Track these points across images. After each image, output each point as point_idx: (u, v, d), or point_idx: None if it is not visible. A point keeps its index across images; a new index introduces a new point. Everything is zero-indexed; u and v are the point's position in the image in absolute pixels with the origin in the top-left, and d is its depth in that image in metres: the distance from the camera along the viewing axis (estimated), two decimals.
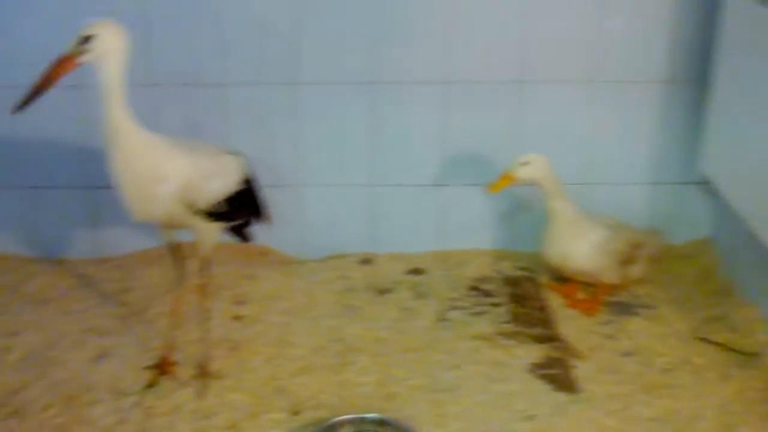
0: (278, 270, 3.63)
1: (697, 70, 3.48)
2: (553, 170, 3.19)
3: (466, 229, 3.74)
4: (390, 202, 3.69)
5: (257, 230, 3.19)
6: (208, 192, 2.75)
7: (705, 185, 3.58)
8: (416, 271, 3.63)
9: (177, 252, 3.01)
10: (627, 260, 3.28)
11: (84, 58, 2.49)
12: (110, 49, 2.49)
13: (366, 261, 3.71)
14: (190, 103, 3.56)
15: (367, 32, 3.46)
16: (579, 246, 3.24)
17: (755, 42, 2.97)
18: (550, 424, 2.72)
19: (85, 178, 3.66)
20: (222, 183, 2.81)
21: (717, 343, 3.11)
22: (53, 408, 2.79)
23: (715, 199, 3.59)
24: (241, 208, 2.95)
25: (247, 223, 3.10)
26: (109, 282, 3.59)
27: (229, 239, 3.14)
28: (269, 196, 3.16)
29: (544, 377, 2.94)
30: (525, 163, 3.17)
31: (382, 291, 3.49)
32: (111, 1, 3.15)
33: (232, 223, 2.98)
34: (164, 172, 2.65)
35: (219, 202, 2.79)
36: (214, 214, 2.80)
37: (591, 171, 3.64)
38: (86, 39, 2.47)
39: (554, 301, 3.41)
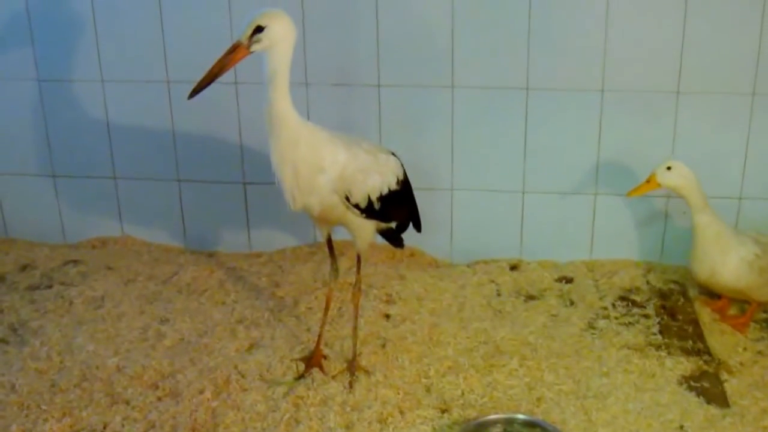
0: (427, 272, 3.67)
1: None
2: (697, 181, 3.14)
3: (616, 239, 3.72)
4: (540, 209, 3.70)
5: (408, 233, 3.22)
6: (364, 186, 2.78)
7: None
8: (565, 279, 3.63)
9: (332, 248, 3.05)
10: None
11: (256, 47, 2.56)
12: (280, 39, 2.55)
13: (514, 267, 3.72)
14: (343, 103, 3.63)
15: (522, 38, 3.47)
16: (727, 262, 3.17)
17: None
18: None
19: (241, 174, 3.75)
20: (379, 180, 2.83)
21: None
22: (207, 392, 2.87)
23: None
24: (396, 209, 2.97)
25: (400, 228, 3.13)
26: (261, 276, 3.68)
27: (381, 241, 3.19)
28: (421, 198, 3.19)
29: (694, 389, 2.90)
30: (668, 168, 3.14)
31: (531, 297, 3.50)
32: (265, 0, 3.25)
33: (387, 224, 3.00)
34: (324, 162, 2.69)
35: (374, 199, 2.81)
36: (369, 211, 2.82)
37: (748, 185, 3.57)
38: (259, 28, 2.54)
39: (705, 315, 3.37)
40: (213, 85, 2.62)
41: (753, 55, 3.40)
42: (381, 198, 2.82)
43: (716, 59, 3.43)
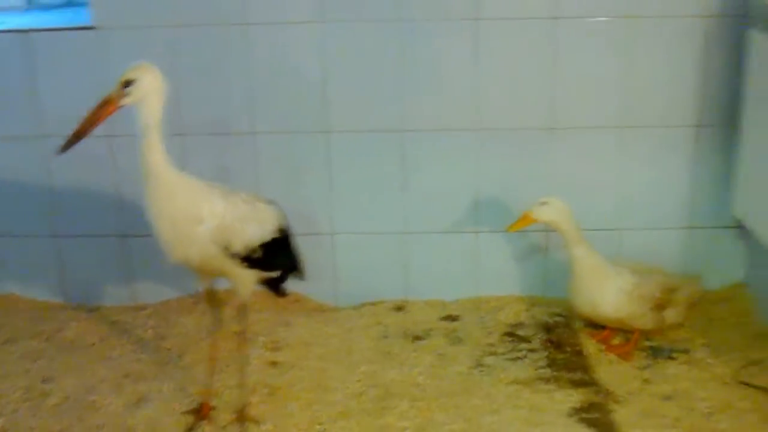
0: (313, 317, 3.64)
1: (727, 114, 3.49)
2: (572, 215, 3.21)
3: (499, 275, 3.74)
4: (423, 248, 3.70)
5: (291, 280, 3.19)
6: (243, 235, 2.77)
7: (739, 229, 3.59)
8: (451, 318, 3.63)
9: (213, 299, 3.02)
10: (660, 305, 3.27)
11: (125, 101, 2.55)
12: (150, 92, 2.55)
13: (400, 308, 3.72)
14: (219, 153, 3.60)
15: (396, 81, 3.49)
16: (605, 294, 3.23)
17: None
18: None
19: (120, 226, 3.69)
20: (258, 229, 2.82)
21: (760, 387, 3.09)
22: None
23: (749, 243, 3.59)
24: (277, 257, 2.96)
25: (282, 277, 3.10)
26: (145, 329, 3.61)
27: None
28: (302, 244, 3.17)
29: (584, 421, 2.92)
30: (543, 203, 3.20)
31: (418, 337, 3.49)
32: (141, 52, 3.20)
33: (268, 273, 2.98)
34: (201, 213, 2.68)
35: (254, 248, 2.80)
36: (250, 261, 2.81)
37: (624, 216, 3.64)
38: (127, 83, 2.53)
39: (591, 346, 3.40)
40: (88, 139, 2.59)
41: (620, 90, 3.49)
42: (261, 247, 2.81)
43: (585, 95, 3.51)
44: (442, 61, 3.48)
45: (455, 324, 3.59)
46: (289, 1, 3.43)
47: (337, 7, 3.42)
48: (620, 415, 2.96)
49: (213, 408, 3.01)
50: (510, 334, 3.49)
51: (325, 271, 3.72)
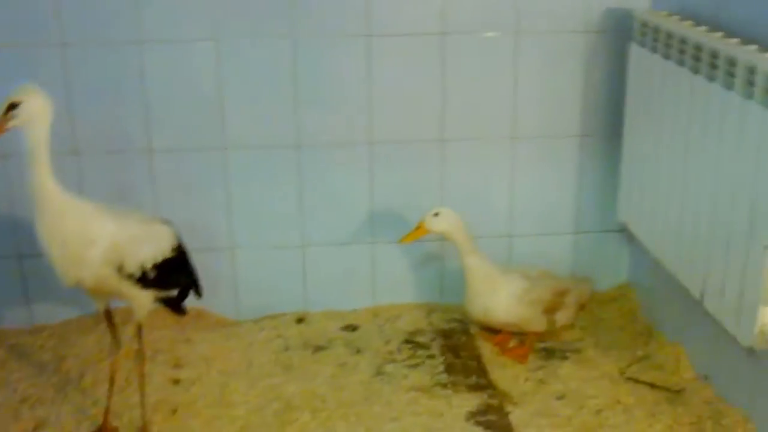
0: (214, 332, 3.65)
1: (610, 124, 3.63)
2: (464, 225, 3.30)
3: (397, 284, 3.82)
4: (321, 260, 3.75)
5: (191, 296, 3.21)
6: (137, 256, 2.77)
7: (623, 232, 3.74)
8: (350, 328, 3.69)
9: (111, 319, 3.01)
10: (552, 308, 3.38)
11: (11, 124, 2.54)
12: (36, 114, 2.54)
13: (301, 320, 3.75)
14: (116, 170, 3.58)
15: (292, 97, 3.53)
16: (498, 299, 3.33)
17: (659, 93, 3.12)
18: None
19: (15, 246, 3.65)
20: (152, 249, 2.83)
21: (645, 382, 3.23)
22: None
23: (632, 246, 3.74)
24: (173, 277, 2.97)
25: (180, 296, 3.12)
26: (44, 351, 3.56)
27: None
28: (202, 260, 3.19)
29: (481, 424, 3.01)
30: (436, 215, 3.28)
31: (319, 348, 3.53)
32: (33, 70, 3.20)
33: (164, 293, 2.98)
34: (92, 235, 2.67)
35: (148, 269, 2.81)
36: (144, 281, 2.81)
37: (515, 223, 3.76)
38: (13, 105, 2.52)
39: (486, 350, 3.49)
40: None
41: (508, 102, 3.61)
42: (155, 267, 2.82)
43: (475, 107, 3.61)
44: (336, 77, 3.54)
45: (355, 334, 3.64)
46: (183, 19, 3.44)
47: (231, 24, 3.44)
48: (515, 416, 3.06)
49: (115, 429, 3.00)
50: (409, 342, 3.56)
51: (226, 285, 3.75)
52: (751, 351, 2.76)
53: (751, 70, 2.52)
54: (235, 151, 3.59)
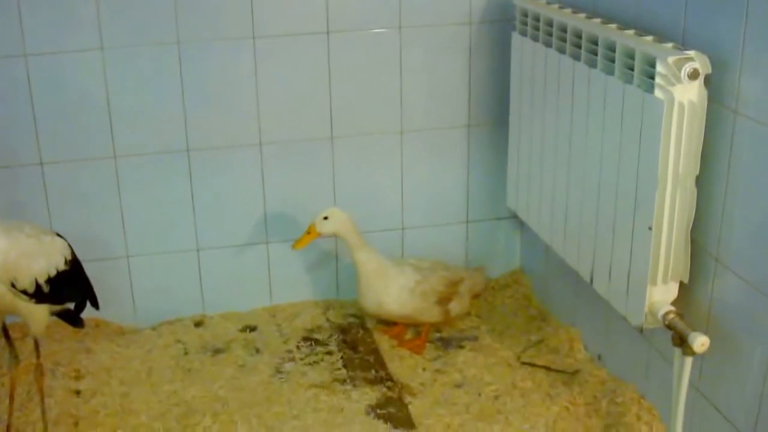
0: (114, 341, 3.61)
1: (495, 113, 3.70)
2: (353, 223, 3.34)
3: (293, 282, 3.84)
4: (216, 263, 3.75)
5: (88, 307, 3.17)
6: (29, 270, 2.71)
7: (513, 219, 3.81)
8: (249, 328, 3.69)
9: (7, 334, 2.97)
10: (446, 298, 3.43)
11: None
12: None
13: (199, 323, 3.74)
14: (7, 186, 3.52)
15: (180, 101, 3.51)
16: (390, 292, 3.37)
17: (540, 81, 3.18)
18: None
19: None
20: (45, 262, 2.77)
21: (540, 366, 3.31)
22: None
23: (522, 232, 3.82)
24: (68, 289, 2.92)
25: (77, 308, 3.08)
26: None
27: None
28: (97, 270, 3.17)
29: (381, 417, 3.05)
30: (326, 218, 3.31)
31: (218, 351, 3.53)
32: None
33: (60, 306, 2.95)
34: None
35: (42, 282, 2.75)
36: (39, 296, 2.76)
37: (407, 216, 3.80)
38: None
39: (384, 343, 3.54)
40: None
41: (395, 96, 3.64)
42: (49, 281, 2.77)
43: (363, 103, 3.64)
44: (223, 80, 3.53)
45: (253, 334, 3.65)
46: (67, 30, 3.38)
47: (115, 33, 3.41)
48: (414, 406, 3.11)
49: None
50: (307, 339, 3.58)
51: (122, 294, 3.71)
52: (641, 330, 2.83)
53: (630, 54, 2.58)
54: (125, 159, 3.56)
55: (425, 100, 3.68)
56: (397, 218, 3.79)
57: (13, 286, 2.68)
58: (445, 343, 3.51)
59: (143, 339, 3.65)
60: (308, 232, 3.35)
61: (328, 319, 3.73)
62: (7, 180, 3.52)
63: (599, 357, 3.29)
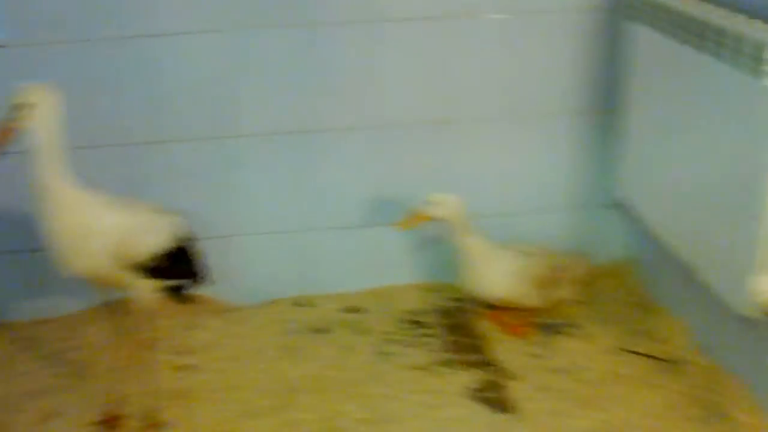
0: (218, 318, 3.70)
1: (606, 100, 3.65)
2: (460, 208, 3.32)
3: (398, 265, 3.86)
4: (324, 244, 3.79)
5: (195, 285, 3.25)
6: (142, 247, 2.79)
7: (619, 208, 3.75)
8: (352, 309, 3.73)
9: (117, 308, 3.06)
10: (549, 284, 3.42)
11: (22, 124, 2.57)
12: (46, 112, 2.57)
13: (302, 303, 3.79)
14: (128, 164, 3.62)
15: (296, 83, 3.56)
16: (493, 277, 3.37)
17: (660, 71, 3.14)
18: None
19: (23, 241, 3.70)
20: (156, 239, 2.85)
21: (641, 354, 3.28)
22: None
23: (631, 220, 3.77)
24: (177, 267, 2.99)
25: (186, 286, 3.14)
26: (51, 342, 3.62)
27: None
28: (208, 247, 3.23)
29: (481, 400, 3.06)
30: (433, 203, 3.31)
31: (320, 331, 3.58)
32: (47, 66, 3.22)
33: (169, 283, 3.01)
34: (95, 228, 2.70)
35: (152, 259, 2.83)
36: (150, 271, 2.84)
37: (511, 202, 3.79)
38: (22, 106, 2.55)
39: (486, 327, 3.54)
40: None
41: (506, 82, 3.63)
42: (160, 257, 2.84)
43: (475, 89, 3.63)
44: (338, 63, 3.56)
45: (356, 315, 3.69)
46: (193, 10, 3.45)
47: (238, 15, 3.46)
48: (515, 390, 3.11)
49: (123, 417, 3.05)
50: (409, 321, 3.61)
51: (231, 272, 3.77)
52: (747, 320, 2.78)
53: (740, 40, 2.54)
54: (241, 139, 3.63)
55: (534, 85, 3.65)
56: (500, 204, 3.78)
57: (125, 261, 2.76)
58: (547, 329, 3.50)
59: (248, 317, 3.72)
60: (416, 215, 3.36)
61: (430, 302, 3.75)
62: (126, 158, 3.61)
63: (703, 347, 3.23)
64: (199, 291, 3.38)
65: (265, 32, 3.51)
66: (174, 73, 3.53)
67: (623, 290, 3.75)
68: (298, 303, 3.80)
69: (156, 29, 3.47)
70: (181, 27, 3.48)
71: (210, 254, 3.26)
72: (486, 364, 3.28)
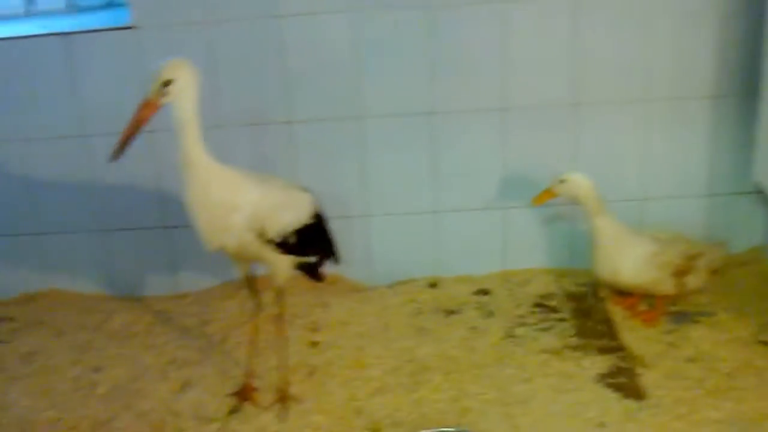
0: (349, 297, 3.76)
1: (746, 83, 3.57)
2: (592, 189, 3.30)
3: (527, 248, 3.85)
4: (453, 226, 3.81)
5: (327, 263, 3.31)
6: (278, 222, 2.85)
7: (758, 194, 3.68)
8: (482, 292, 3.75)
9: (252, 284, 3.13)
10: (682, 271, 3.36)
11: (165, 100, 2.64)
12: (186, 88, 2.63)
13: (433, 284, 3.83)
14: (257, 143, 3.71)
15: (425, 65, 3.59)
16: (625, 261, 3.33)
17: None
18: (621, 430, 2.81)
19: (162, 218, 3.82)
20: (292, 215, 2.91)
21: None
22: None
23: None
24: (312, 243, 3.04)
25: (318, 262, 3.20)
26: (188, 316, 3.74)
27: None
28: (338, 227, 3.28)
29: (611, 386, 3.04)
30: (563, 181, 3.31)
31: (450, 312, 3.61)
32: (178, 49, 3.30)
33: (303, 259, 3.06)
34: (236, 202, 2.77)
35: (289, 235, 2.88)
36: (285, 246, 2.90)
37: (647, 187, 3.74)
38: (165, 82, 2.62)
39: (616, 313, 3.51)
40: None
41: (640, 64, 3.58)
42: (295, 233, 2.90)
43: (610, 69, 3.60)
44: (469, 44, 3.58)
45: (486, 298, 3.70)
46: None
47: None
48: (646, 378, 3.08)
49: (256, 389, 3.13)
50: (539, 305, 3.61)
51: (360, 252, 3.84)
52: None
53: None
54: (371, 120, 3.68)
55: (671, 68, 3.60)
56: (638, 188, 3.74)
57: (261, 235, 2.82)
58: (680, 317, 3.45)
59: (379, 296, 3.77)
60: (547, 192, 3.36)
61: (560, 287, 3.74)
62: (258, 136, 3.71)
63: None
64: (330, 269, 3.45)
65: (393, 13, 3.54)
66: (301, 53, 3.60)
67: (758, 280, 3.66)
68: (429, 284, 3.84)
69: (283, 10, 3.54)
70: (306, 7, 3.54)
71: (341, 234, 3.32)
72: (617, 350, 3.25)
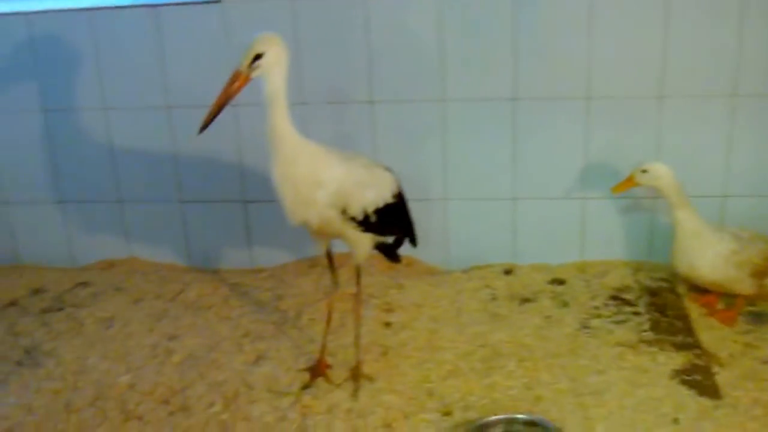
0: (424, 280, 3.77)
1: None
2: (674, 180, 3.26)
3: (605, 240, 3.83)
4: (531, 214, 3.81)
5: (404, 245, 3.33)
6: (361, 199, 2.86)
7: None
8: (557, 281, 3.73)
9: (331, 260, 3.15)
10: (761, 272, 3.30)
11: (256, 73, 2.65)
12: (277, 63, 2.65)
13: (508, 271, 3.83)
14: (338, 121, 3.73)
15: (510, 50, 3.58)
16: (704, 257, 3.29)
17: None
18: (695, 428, 2.78)
19: (241, 192, 3.86)
20: (375, 194, 2.91)
21: None
22: (216, 405, 2.96)
23: None
24: (392, 222, 3.05)
25: (396, 243, 3.23)
26: (264, 290, 3.78)
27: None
28: (415, 209, 3.28)
29: (687, 383, 3.00)
30: (645, 171, 3.28)
31: (525, 300, 3.60)
32: (264, 24, 3.32)
33: (383, 238, 3.08)
34: (321, 178, 2.78)
35: (370, 212, 2.89)
36: (366, 224, 2.90)
37: (731, 184, 3.69)
38: (257, 55, 2.63)
39: (693, 310, 3.47)
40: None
41: (726, 58, 3.53)
42: (377, 211, 2.91)
43: (696, 63, 3.55)
44: (555, 31, 3.57)
45: (562, 287, 3.69)
46: None
47: None
48: (722, 377, 3.04)
49: (329, 366, 3.15)
50: (615, 297, 3.58)
51: (437, 235, 3.85)
52: None
53: None
54: (453, 104, 3.68)
55: (761, 64, 3.54)
56: (719, 185, 3.69)
57: (344, 212, 2.84)
58: (758, 318, 3.40)
59: (453, 280, 3.77)
60: (628, 180, 3.34)
61: (637, 280, 3.70)
62: (339, 115, 3.73)
63: None
64: (406, 252, 3.46)
65: None
66: (386, 32, 3.61)
67: None
68: (504, 271, 3.83)
69: None
70: None
71: (418, 217, 3.32)
72: (692, 347, 3.21)
